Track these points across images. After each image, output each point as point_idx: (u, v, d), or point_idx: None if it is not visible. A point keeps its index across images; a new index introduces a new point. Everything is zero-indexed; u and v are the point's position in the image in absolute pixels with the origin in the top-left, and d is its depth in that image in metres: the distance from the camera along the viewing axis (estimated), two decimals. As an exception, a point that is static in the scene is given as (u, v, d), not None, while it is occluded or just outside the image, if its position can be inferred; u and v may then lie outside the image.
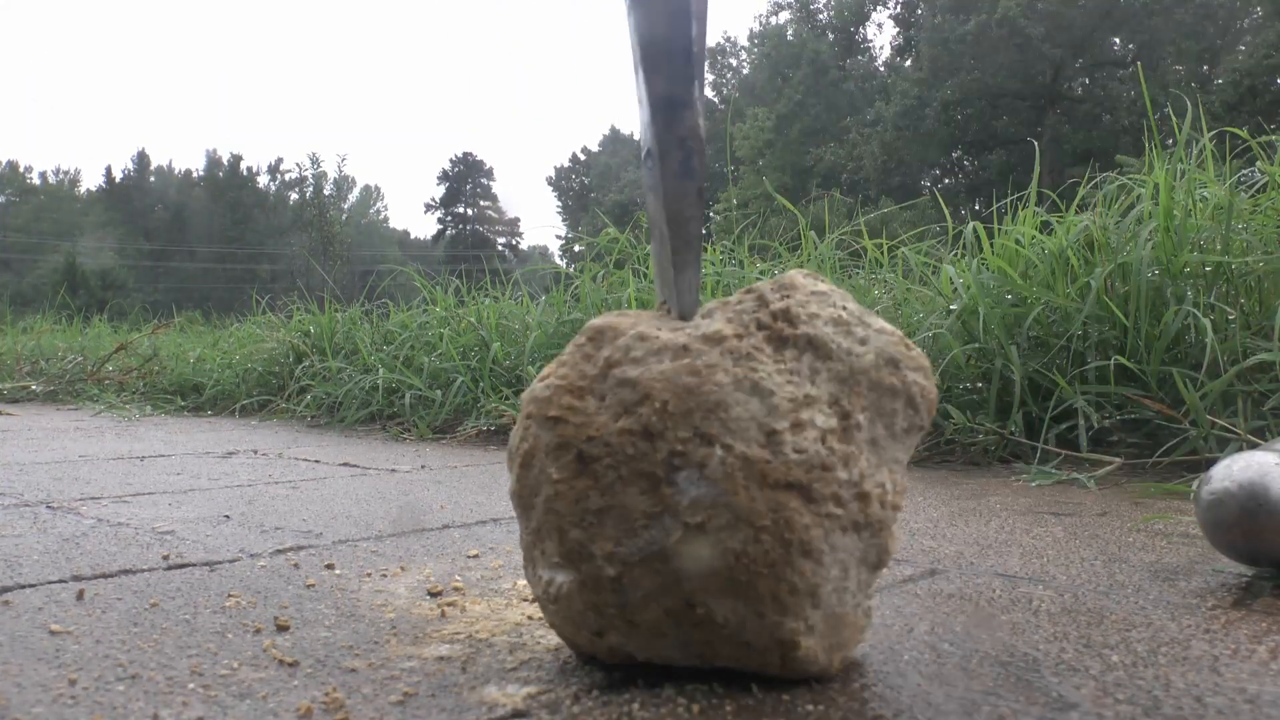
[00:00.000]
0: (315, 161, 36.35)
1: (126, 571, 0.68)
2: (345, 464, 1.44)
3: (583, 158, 41.97)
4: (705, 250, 2.06)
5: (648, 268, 2.16)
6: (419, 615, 0.56)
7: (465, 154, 42.22)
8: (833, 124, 25.37)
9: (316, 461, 1.47)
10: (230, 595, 0.61)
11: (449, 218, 41.81)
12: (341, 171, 42.15)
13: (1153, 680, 0.44)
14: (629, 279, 2.09)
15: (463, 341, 2.25)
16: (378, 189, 50.47)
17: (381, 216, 50.96)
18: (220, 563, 0.71)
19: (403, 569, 0.69)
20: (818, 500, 0.41)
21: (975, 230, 1.63)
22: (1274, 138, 1.54)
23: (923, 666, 0.46)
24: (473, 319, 2.30)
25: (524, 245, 41.74)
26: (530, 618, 0.55)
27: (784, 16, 28.94)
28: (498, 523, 0.91)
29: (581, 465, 0.43)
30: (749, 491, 0.40)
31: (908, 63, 25.83)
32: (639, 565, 0.41)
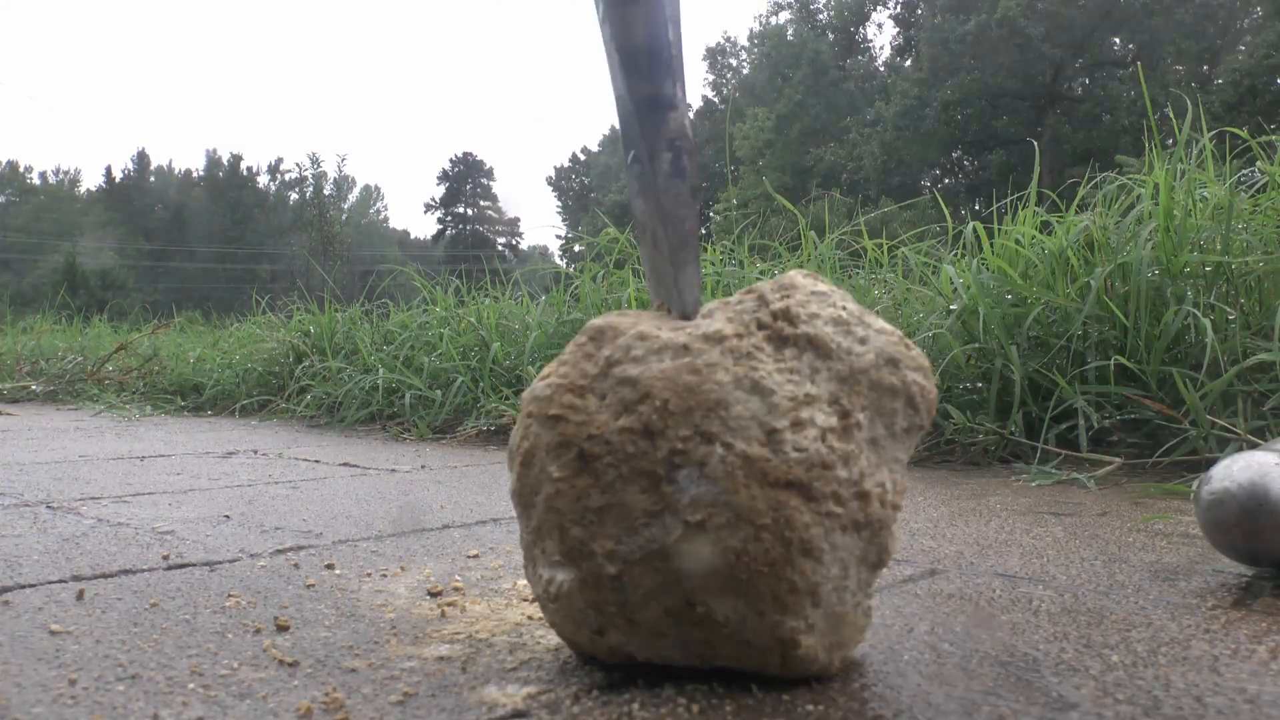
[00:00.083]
0: (315, 161, 36.31)
1: (126, 571, 0.68)
2: (345, 464, 1.44)
3: (583, 158, 41.95)
4: (705, 250, 2.06)
5: (647, 268, 2.16)
6: (419, 615, 0.56)
7: (465, 154, 42.29)
8: (833, 124, 25.38)
9: (316, 461, 1.47)
10: (230, 595, 0.61)
11: (449, 218, 41.82)
12: (341, 171, 42.20)
13: (1153, 680, 0.44)
14: (629, 279, 2.09)
15: (463, 341, 2.25)
16: (378, 189, 50.56)
17: (381, 216, 51.03)
18: (220, 563, 0.71)
19: (403, 569, 0.69)
20: (818, 499, 0.41)
21: (975, 230, 1.63)
22: (1274, 138, 1.54)
23: (923, 666, 0.46)
24: (473, 319, 2.30)
25: (524, 245, 41.80)
26: (530, 618, 0.55)
27: (784, 16, 28.99)
28: (498, 523, 0.91)
29: (582, 463, 0.43)
30: (749, 490, 0.40)
31: (908, 63, 25.85)
32: (639, 563, 0.41)
